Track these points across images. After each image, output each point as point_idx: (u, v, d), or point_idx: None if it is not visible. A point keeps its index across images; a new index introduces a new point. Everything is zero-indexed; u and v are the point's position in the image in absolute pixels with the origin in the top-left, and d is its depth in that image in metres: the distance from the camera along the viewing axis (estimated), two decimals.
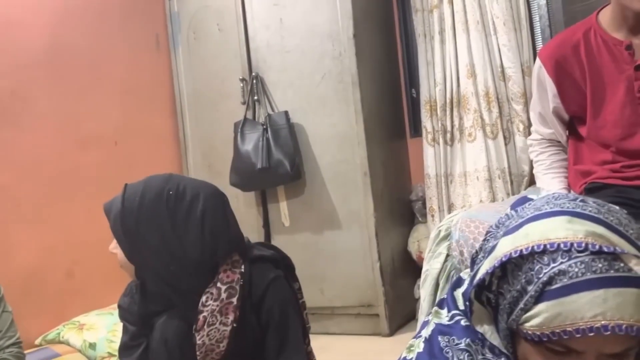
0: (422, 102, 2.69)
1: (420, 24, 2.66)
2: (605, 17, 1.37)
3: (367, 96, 2.57)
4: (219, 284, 1.18)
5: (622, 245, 0.65)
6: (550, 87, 1.41)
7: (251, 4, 2.70)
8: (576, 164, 1.43)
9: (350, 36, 2.51)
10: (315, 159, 2.62)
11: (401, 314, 2.60)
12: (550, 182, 1.44)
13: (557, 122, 1.46)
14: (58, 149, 2.46)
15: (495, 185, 2.50)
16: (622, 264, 0.63)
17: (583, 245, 0.64)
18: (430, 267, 1.31)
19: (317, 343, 2.51)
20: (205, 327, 1.17)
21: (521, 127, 2.46)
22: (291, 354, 1.21)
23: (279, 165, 2.51)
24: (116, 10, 2.76)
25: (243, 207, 2.75)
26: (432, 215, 2.66)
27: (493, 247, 0.72)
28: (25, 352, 1.60)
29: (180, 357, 1.18)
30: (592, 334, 0.62)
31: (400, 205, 2.81)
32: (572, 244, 0.64)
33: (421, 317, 1.36)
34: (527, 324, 0.66)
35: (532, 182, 2.51)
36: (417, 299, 2.71)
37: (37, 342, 2.21)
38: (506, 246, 0.69)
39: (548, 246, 0.65)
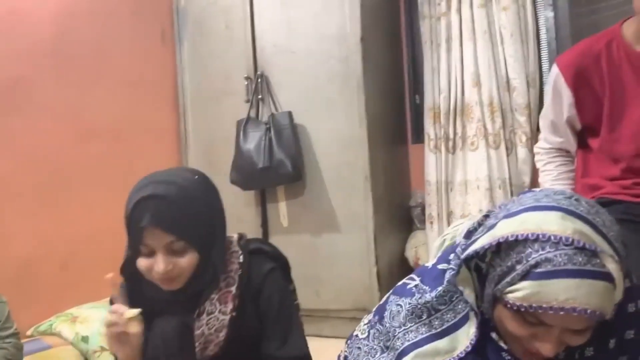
0: (425, 109, 2.69)
1: (427, 31, 2.66)
2: (630, 29, 1.35)
3: (372, 100, 2.57)
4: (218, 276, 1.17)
5: (602, 245, 0.76)
6: (567, 96, 1.40)
7: (259, 3, 2.70)
8: (584, 177, 1.42)
9: (357, 40, 2.51)
10: (316, 161, 2.61)
11: None
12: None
13: (570, 131, 1.45)
14: (58, 140, 2.44)
15: (496, 195, 2.50)
16: (598, 261, 0.75)
17: (570, 240, 0.75)
18: None
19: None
20: (204, 315, 1.16)
21: (524, 138, 2.46)
22: (295, 340, 1.21)
23: (280, 165, 2.50)
24: (123, 3, 2.75)
25: (242, 206, 2.73)
26: (431, 223, 2.66)
27: (492, 226, 0.83)
28: None
29: (178, 351, 1.16)
30: (562, 313, 0.74)
31: (400, 210, 2.81)
32: (561, 238, 0.76)
33: None
34: (511, 295, 0.78)
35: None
36: None
37: (28, 332, 2.19)
38: (504, 228, 0.81)
39: (540, 236, 0.76)
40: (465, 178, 2.58)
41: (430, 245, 2.58)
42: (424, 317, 0.89)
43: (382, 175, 2.62)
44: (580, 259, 0.74)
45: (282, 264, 1.29)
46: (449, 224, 2.53)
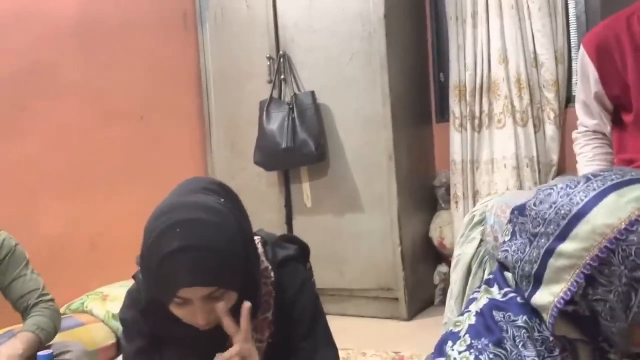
0: (451, 86, 2.65)
1: (452, 7, 2.60)
2: None
3: (395, 79, 2.53)
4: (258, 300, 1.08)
5: None
6: (592, 72, 1.39)
7: None
8: (619, 152, 1.39)
9: (380, 17, 2.47)
10: (340, 141, 2.60)
11: (420, 299, 2.60)
12: None
13: (601, 109, 1.43)
14: (84, 121, 2.47)
15: (523, 173, 2.46)
16: None
17: None
18: (463, 252, 1.29)
19: (334, 325, 2.51)
20: None
21: (552, 115, 2.41)
22: (326, 350, 1.14)
23: (303, 146, 2.49)
24: None
25: (265, 187, 2.74)
26: (456, 202, 2.63)
27: (549, 253, 0.69)
28: None
29: None
30: None
31: (424, 190, 2.79)
32: None
33: (450, 301, 1.35)
34: None
35: (560, 171, 2.47)
36: (436, 285, 2.70)
37: (61, 310, 2.25)
38: (578, 248, 0.67)
39: (628, 226, 0.64)
40: (491, 157, 2.54)
41: (455, 225, 2.56)
42: None
43: (406, 155, 2.60)
44: None
45: (305, 256, 1.22)
46: (474, 203, 2.50)
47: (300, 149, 2.50)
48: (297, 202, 2.69)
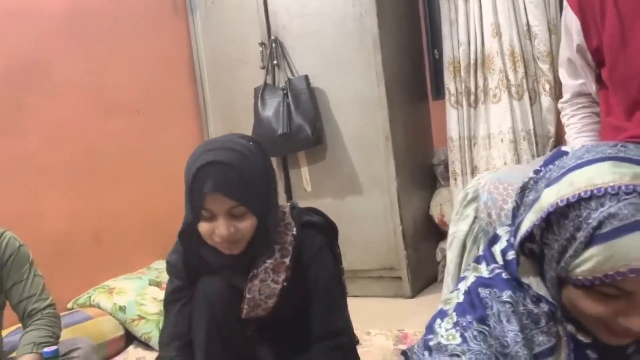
0: (445, 63, 2.63)
1: None
2: None
3: (389, 58, 2.52)
4: (272, 244, 1.23)
5: None
6: (575, 23, 1.35)
7: None
8: (608, 115, 1.37)
9: None
10: (336, 124, 2.60)
11: (423, 277, 2.62)
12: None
13: (585, 65, 1.41)
14: (82, 116, 2.48)
15: (520, 147, 2.46)
16: None
17: (631, 187, 0.65)
18: (458, 229, 1.31)
19: None
20: (257, 282, 1.22)
21: (547, 86, 2.40)
22: (334, 319, 1.26)
23: (300, 131, 2.49)
24: None
25: None
26: (455, 179, 2.64)
27: (535, 199, 0.73)
28: None
29: (222, 312, 1.22)
30: None
31: (422, 169, 2.79)
32: (619, 187, 0.65)
33: (447, 278, 1.37)
34: (578, 270, 0.67)
35: (557, 143, 2.47)
36: (439, 262, 2.72)
37: (69, 305, 2.29)
38: (551, 197, 0.70)
39: (595, 191, 0.66)
40: (488, 132, 2.53)
41: (455, 202, 2.57)
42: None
43: (403, 135, 2.60)
44: None
45: (331, 233, 1.35)
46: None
47: (296, 134, 2.50)
48: (297, 187, 2.70)
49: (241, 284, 1.22)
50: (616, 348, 0.74)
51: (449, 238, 1.36)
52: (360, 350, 1.97)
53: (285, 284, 1.22)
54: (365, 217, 2.58)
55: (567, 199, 0.68)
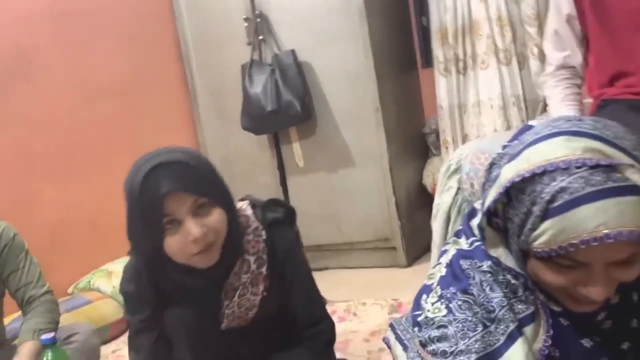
0: (432, 30, 2.60)
1: None
2: None
3: (376, 29, 2.49)
4: (246, 256, 1.17)
5: (618, 156, 0.67)
6: None
7: None
8: (590, 91, 1.38)
9: None
10: (325, 98, 2.59)
11: (418, 246, 2.64)
12: (564, 113, 1.41)
13: (572, 37, 1.42)
14: (69, 102, 2.48)
15: (510, 112, 2.45)
16: (618, 175, 0.66)
17: (581, 161, 0.66)
18: (442, 201, 1.32)
19: (336, 278, 2.59)
20: (236, 298, 1.16)
21: (535, 50, 2.37)
22: (313, 309, 1.26)
23: (289, 106, 2.48)
24: None
25: (257, 150, 2.76)
26: (447, 148, 2.64)
27: (497, 176, 0.75)
28: (59, 300, 1.69)
29: (201, 331, 1.17)
30: (595, 244, 0.65)
31: (414, 139, 2.79)
32: (570, 162, 0.67)
33: (434, 249, 1.39)
34: (536, 243, 0.69)
35: (547, 107, 2.46)
36: None
37: (69, 290, 2.33)
38: (509, 172, 0.72)
39: (548, 166, 0.68)
40: (478, 99, 2.52)
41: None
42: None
43: (394, 105, 2.59)
44: (598, 178, 0.65)
45: (293, 218, 1.30)
46: None
47: (286, 110, 2.49)
48: (289, 163, 2.71)
49: (217, 299, 1.15)
50: (586, 315, 0.76)
51: (434, 210, 1.38)
52: (355, 321, 2.02)
53: (265, 293, 1.18)
54: (359, 190, 2.59)
55: (522, 175, 0.70)
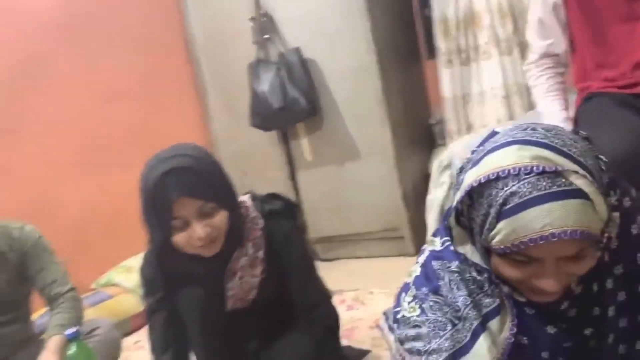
0: (435, 21, 2.64)
1: None
2: None
3: (379, 23, 2.53)
4: (245, 242, 1.30)
5: (564, 163, 0.73)
6: None
7: None
8: (579, 81, 1.41)
9: None
10: (331, 93, 2.65)
11: (425, 235, 2.70)
12: (549, 105, 1.44)
13: (557, 25, 1.44)
14: (85, 106, 2.58)
15: (513, 101, 2.49)
16: (563, 180, 0.72)
17: (529, 168, 0.73)
18: (435, 196, 1.38)
19: (346, 267, 2.67)
20: (237, 279, 1.30)
21: None
22: (310, 293, 1.36)
23: (295, 103, 2.55)
24: None
25: (267, 147, 2.83)
26: (452, 138, 2.68)
27: (462, 180, 0.82)
28: (82, 296, 1.80)
29: (209, 310, 1.30)
30: (542, 242, 0.71)
31: (420, 129, 2.84)
32: (519, 169, 0.73)
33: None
34: (493, 241, 0.76)
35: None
36: None
37: (92, 286, 2.45)
38: (470, 178, 0.79)
39: (500, 173, 0.75)
40: (481, 89, 2.56)
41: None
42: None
43: (399, 98, 2.63)
44: (544, 184, 0.72)
45: (293, 212, 1.42)
46: None
47: (292, 106, 2.56)
48: (298, 158, 2.78)
49: (221, 283, 1.30)
50: (549, 305, 0.82)
51: (428, 204, 1.44)
52: (362, 309, 2.10)
53: (263, 276, 1.31)
54: (367, 182, 2.66)
55: (479, 180, 0.77)
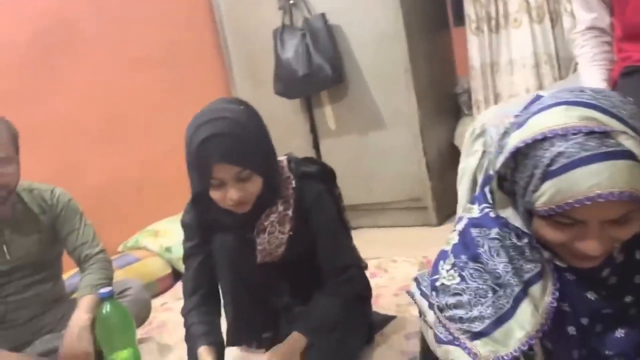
0: None
1: None
2: None
3: None
4: (276, 199, 1.35)
5: (613, 124, 0.72)
6: None
7: None
8: (620, 52, 1.38)
9: None
10: (356, 60, 2.61)
11: (449, 205, 2.68)
12: (593, 74, 1.41)
13: (599, 0, 1.41)
14: (111, 72, 2.59)
15: (543, 71, 2.43)
16: (612, 141, 0.71)
17: (577, 128, 0.72)
18: (467, 165, 1.37)
19: (368, 236, 2.69)
20: (266, 235, 1.35)
21: (568, 7, 2.32)
22: (340, 256, 1.40)
23: (320, 70, 2.53)
24: None
25: (290, 114, 2.83)
26: (478, 107, 2.64)
27: (506, 143, 0.81)
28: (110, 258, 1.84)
29: (240, 261, 1.37)
30: (589, 203, 0.71)
31: (446, 99, 2.80)
32: (567, 129, 0.73)
33: (459, 212, 1.44)
34: (538, 202, 0.75)
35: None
36: None
37: (119, 249, 2.50)
38: (515, 139, 0.78)
39: (547, 133, 0.74)
40: (510, 57, 2.51)
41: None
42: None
43: (425, 66, 2.59)
44: (592, 144, 0.71)
45: (329, 177, 1.46)
46: None
47: (317, 74, 2.54)
48: (321, 126, 2.77)
49: (252, 236, 1.36)
50: (591, 271, 0.82)
51: (459, 173, 1.43)
52: (386, 277, 2.11)
53: (291, 233, 1.35)
54: (391, 151, 2.64)
55: (525, 141, 0.76)
